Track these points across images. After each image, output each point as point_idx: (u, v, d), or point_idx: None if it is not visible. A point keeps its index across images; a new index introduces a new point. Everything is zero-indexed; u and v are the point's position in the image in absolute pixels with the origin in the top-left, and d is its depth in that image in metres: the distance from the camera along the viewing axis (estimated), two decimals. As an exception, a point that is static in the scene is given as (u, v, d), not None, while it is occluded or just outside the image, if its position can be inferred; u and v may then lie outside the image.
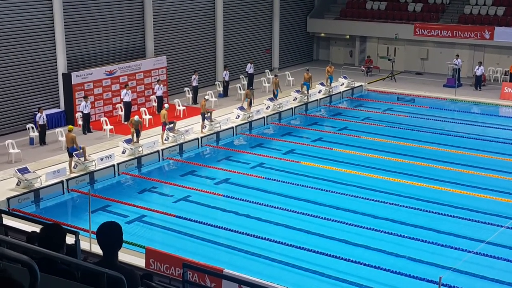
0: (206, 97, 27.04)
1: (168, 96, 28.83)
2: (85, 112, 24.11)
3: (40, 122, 22.77)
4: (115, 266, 4.35)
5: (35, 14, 24.87)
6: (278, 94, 28.82)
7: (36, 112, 23.46)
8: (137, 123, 22.14)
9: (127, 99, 25.66)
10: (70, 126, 20.99)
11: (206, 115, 24.49)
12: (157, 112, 27.18)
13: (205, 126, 24.51)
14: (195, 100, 29.07)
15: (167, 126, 23.14)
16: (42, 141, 22.94)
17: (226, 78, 30.96)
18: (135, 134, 22.03)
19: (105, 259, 4.46)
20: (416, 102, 30.67)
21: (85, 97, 24.47)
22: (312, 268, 14.58)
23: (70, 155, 19.97)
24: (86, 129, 24.27)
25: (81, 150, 20.11)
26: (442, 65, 35.09)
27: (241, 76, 32.40)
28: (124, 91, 25.77)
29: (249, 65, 32.29)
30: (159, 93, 27.19)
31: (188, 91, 29.73)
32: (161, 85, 27.26)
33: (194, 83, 29.16)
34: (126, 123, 24.27)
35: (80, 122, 24.75)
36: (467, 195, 18.98)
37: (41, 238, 4.55)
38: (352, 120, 27.75)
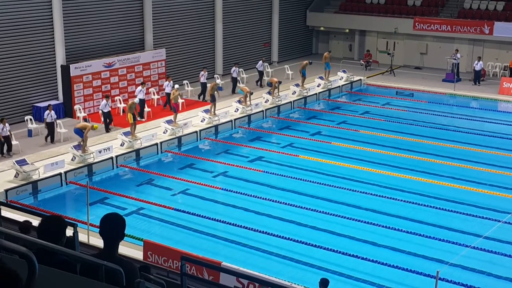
0: (218, 81, 27.04)
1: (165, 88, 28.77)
2: (105, 111, 23.63)
3: (48, 120, 22.18)
4: (115, 258, 4.35)
5: (34, 5, 24.78)
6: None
7: (45, 108, 22.86)
8: (133, 105, 22.35)
9: (141, 96, 25.39)
10: (96, 125, 21.06)
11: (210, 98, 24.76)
12: (163, 107, 26.99)
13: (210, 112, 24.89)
14: (203, 97, 28.36)
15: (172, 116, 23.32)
16: (51, 139, 22.29)
17: (234, 75, 30.17)
18: (133, 127, 22.04)
19: (105, 250, 4.45)
20: (415, 97, 30.67)
21: (107, 97, 24.13)
22: (310, 261, 14.61)
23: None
24: (107, 127, 23.70)
25: (82, 139, 20.12)
26: (441, 59, 35.06)
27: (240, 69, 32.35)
28: (139, 88, 25.52)
29: (260, 62, 31.90)
30: (168, 89, 26.52)
31: (187, 84, 29.65)
32: (170, 82, 26.74)
33: (202, 80, 28.49)
34: (139, 119, 24.57)
35: (78, 114, 24.71)
36: (465, 189, 19.00)
37: (41, 229, 4.54)
38: (350, 114, 27.74)
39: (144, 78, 28.25)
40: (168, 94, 26.64)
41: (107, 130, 23.63)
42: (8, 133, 20.75)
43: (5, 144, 20.79)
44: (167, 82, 26.85)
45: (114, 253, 4.43)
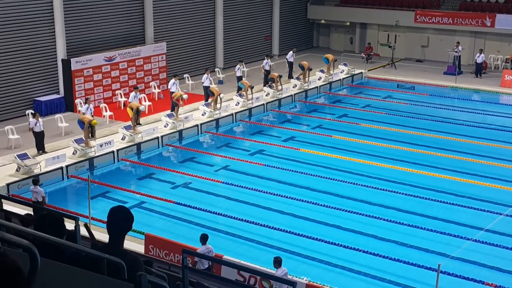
0: (219, 76, 27.15)
1: (167, 82, 28.71)
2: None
3: (88, 114, 21.80)
4: (120, 251, 4.33)
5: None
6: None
7: (84, 103, 22.85)
8: (137, 109, 22.26)
9: (207, 83, 25.79)
10: (95, 121, 20.61)
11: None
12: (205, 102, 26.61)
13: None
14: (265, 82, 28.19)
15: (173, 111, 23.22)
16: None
17: (267, 67, 29.84)
18: (133, 121, 22.01)
19: (111, 243, 4.43)
20: (416, 90, 30.61)
21: (136, 88, 24.22)
22: (311, 255, 14.64)
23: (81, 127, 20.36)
24: (137, 121, 23.13)
25: (84, 133, 20.12)
26: (442, 52, 34.97)
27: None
28: (172, 80, 25.54)
29: (290, 53, 31.76)
30: (206, 83, 26.40)
31: (188, 77, 29.59)
32: (209, 74, 26.61)
33: (267, 67, 28.03)
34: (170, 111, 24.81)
35: (79, 108, 24.62)
36: (467, 182, 18.99)
37: (37, 227, 4.52)
38: (352, 108, 27.70)
39: (145, 72, 28.22)
40: (207, 88, 26.39)
41: (139, 123, 23.10)
42: (42, 128, 20.17)
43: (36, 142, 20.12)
44: (206, 75, 26.68)
45: (119, 247, 4.42)
